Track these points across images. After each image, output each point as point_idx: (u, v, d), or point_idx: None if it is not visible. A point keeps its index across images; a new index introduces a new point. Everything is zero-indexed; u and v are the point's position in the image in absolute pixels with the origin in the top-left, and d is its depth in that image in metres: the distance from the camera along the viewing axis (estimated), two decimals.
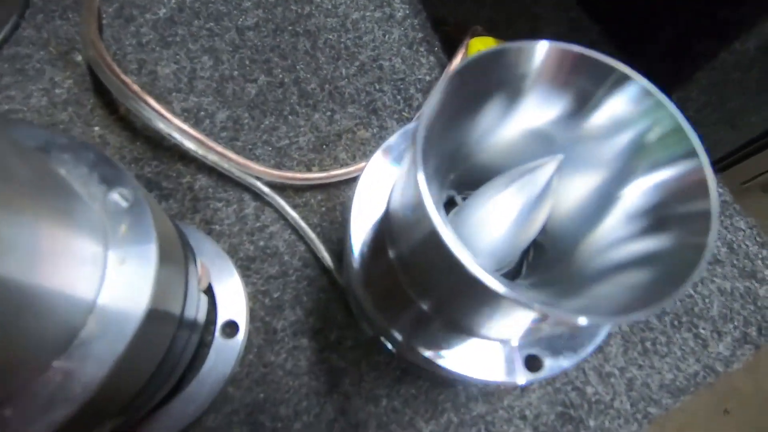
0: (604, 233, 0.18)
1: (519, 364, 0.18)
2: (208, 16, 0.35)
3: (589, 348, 0.19)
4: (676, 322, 0.30)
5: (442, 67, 0.35)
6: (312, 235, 0.28)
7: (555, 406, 0.27)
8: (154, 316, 0.17)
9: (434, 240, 0.13)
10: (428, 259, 0.16)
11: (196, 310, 0.22)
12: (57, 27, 0.33)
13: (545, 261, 0.21)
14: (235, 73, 0.33)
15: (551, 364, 0.18)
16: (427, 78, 0.35)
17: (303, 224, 0.29)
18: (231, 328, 0.26)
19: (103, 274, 0.16)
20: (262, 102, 0.33)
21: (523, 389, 0.27)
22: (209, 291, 0.26)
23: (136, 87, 0.27)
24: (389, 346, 0.22)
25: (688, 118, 0.17)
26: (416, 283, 0.18)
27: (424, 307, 0.19)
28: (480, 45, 0.33)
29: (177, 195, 0.29)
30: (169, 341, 0.19)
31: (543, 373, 0.18)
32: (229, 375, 0.25)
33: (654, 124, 0.16)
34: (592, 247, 0.18)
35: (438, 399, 0.26)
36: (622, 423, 0.27)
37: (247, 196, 0.30)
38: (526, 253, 0.22)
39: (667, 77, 0.35)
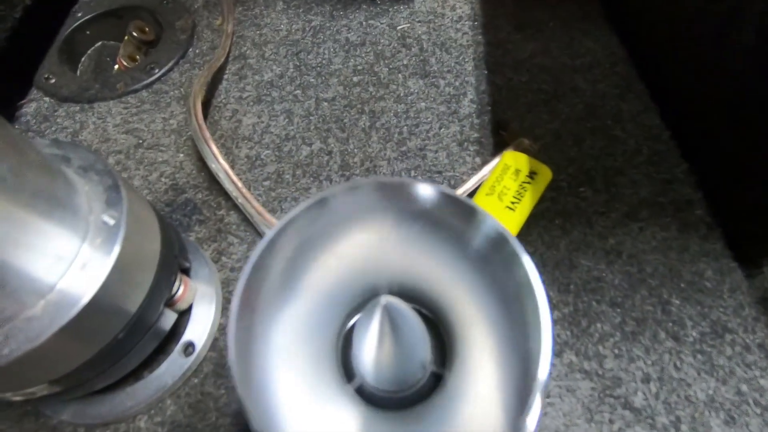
0: None
1: None
2: (299, 85, 0.41)
3: None
4: None
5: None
6: None
7: None
8: (92, 311, 0.21)
9: None
10: None
11: (156, 319, 0.26)
12: (193, 75, 0.43)
13: (446, 394, 0.19)
14: (298, 135, 0.38)
15: None
16: (464, 177, 0.35)
17: None
18: (191, 348, 0.29)
19: (65, 272, 0.21)
20: (307, 164, 0.37)
21: None
22: (188, 310, 0.30)
23: (206, 133, 0.34)
24: None
25: None
26: None
27: None
28: (509, 160, 0.32)
29: (209, 222, 0.35)
30: (111, 338, 0.23)
31: None
32: (171, 388, 0.28)
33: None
34: None
35: None
36: None
37: (258, 241, 0.34)
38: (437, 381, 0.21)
39: (757, 242, 0.29)
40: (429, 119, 0.38)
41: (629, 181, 0.34)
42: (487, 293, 0.16)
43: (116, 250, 0.22)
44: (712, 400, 0.27)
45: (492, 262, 0.15)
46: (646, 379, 0.27)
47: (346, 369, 0.21)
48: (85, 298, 0.21)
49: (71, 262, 0.21)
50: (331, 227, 0.17)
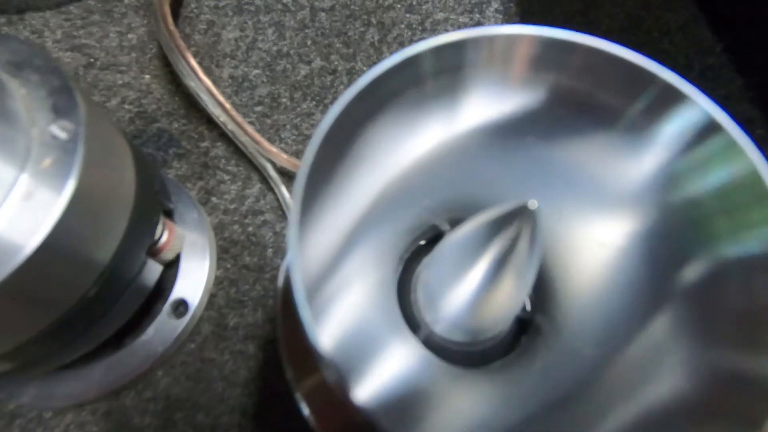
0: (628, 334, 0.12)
1: None
2: None
3: None
4: None
5: None
6: None
7: None
8: (45, 261, 0.15)
9: None
10: None
11: (137, 273, 0.20)
12: None
13: (544, 347, 0.15)
14: (293, 51, 0.32)
15: None
16: None
17: None
18: (182, 307, 0.23)
19: (1, 202, 0.15)
20: (307, 85, 0.31)
21: None
22: (175, 262, 0.24)
23: (180, 42, 0.27)
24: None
25: None
26: None
27: None
28: None
29: (191, 157, 0.28)
30: (79, 296, 0.17)
31: None
32: (162, 356, 0.22)
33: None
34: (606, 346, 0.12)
35: None
36: None
37: (255, 177, 0.28)
38: (521, 331, 0.16)
39: None
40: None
41: None
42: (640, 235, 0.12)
43: (74, 173, 0.16)
44: None
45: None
46: None
47: (405, 316, 0.16)
48: (33, 241, 0.15)
49: (8, 192, 0.15)
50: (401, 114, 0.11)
